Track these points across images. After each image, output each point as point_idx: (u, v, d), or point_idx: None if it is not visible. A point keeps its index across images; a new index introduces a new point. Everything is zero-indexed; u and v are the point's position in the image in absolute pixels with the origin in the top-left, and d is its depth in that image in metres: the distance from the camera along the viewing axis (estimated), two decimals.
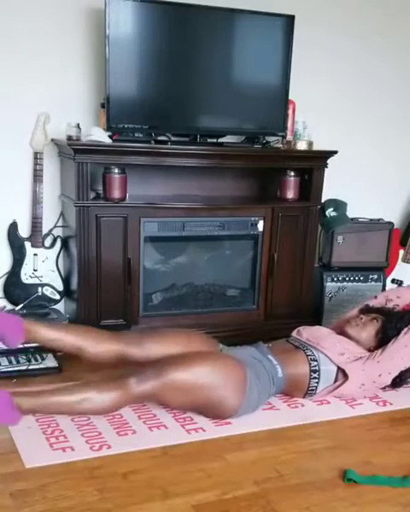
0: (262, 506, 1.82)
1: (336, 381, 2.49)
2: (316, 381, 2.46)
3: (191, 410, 2.35)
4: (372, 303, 2.81)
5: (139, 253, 2.94)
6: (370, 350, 2.56)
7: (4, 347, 2.65)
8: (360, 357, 2.49)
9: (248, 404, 2.31)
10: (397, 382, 2.55)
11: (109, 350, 2.34)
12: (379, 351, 2.50)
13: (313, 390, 2.48)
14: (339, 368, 2.47)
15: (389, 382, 2.53)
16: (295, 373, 2.44)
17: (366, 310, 2.75)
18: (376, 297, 2.87)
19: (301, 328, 2.68)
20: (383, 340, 2.54)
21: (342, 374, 2.47)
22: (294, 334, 2.65)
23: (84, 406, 2.15)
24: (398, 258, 3.64)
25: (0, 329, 2.24)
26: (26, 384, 2.49)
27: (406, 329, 2.50)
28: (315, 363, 2.45)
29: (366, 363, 2.47)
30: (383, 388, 2.59)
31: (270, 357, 2.44)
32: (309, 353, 2.48)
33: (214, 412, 2.30)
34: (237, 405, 2.28)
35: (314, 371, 2.45)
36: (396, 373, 2.51)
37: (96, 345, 2.33)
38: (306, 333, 2.61)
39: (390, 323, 2.57)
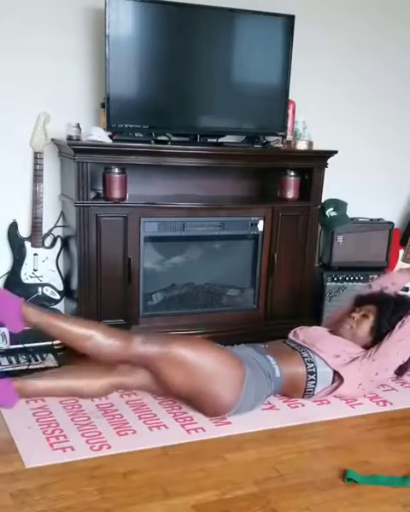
0: (262, 506, 1.82)
1: (333, 381, 2.48)
2: (313, 382, 2.45)
3: (184, 397, 2.34)
4: (366, 293, 2.76)
5: (139, 253, 2.94)
6: (366, 347, 2.54)
7: (4, 347, 2.67)
8: (357, 358, 2.48)
9: (244, 404, 2.30)
10: (402, 371, 2.55)
11: (105, 384, 2.37)
12: (374, 348, 2.49)
13: (310, 391, 2.47)
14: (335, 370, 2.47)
15: (387, 379, 2.52)
16: (292, 373, 2.43)
17: (359, 301, 2.70)
18: (370, 287, 2.84)
19: (297, 328, 2.67)
20: (378, 336, 2.53)
21: (338, 375, 2.46)
22: (290, 335, 2.64)
23: (84, 342, 2.20)
24: (398, 258, 3.64)
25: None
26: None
27: (400, 323, 2.49)
28: (312, 365, 2.44)
29: (362, 363, 2.46)
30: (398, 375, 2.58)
31: (268, 356, 2.43)
32: (305, 355, 2.47)
33: (207, 406, 2.29)
34: (231, 403, 2.27)
35: (311, 373, 2.44)
36: (394, 368, 2.51)
37: (92, 383, 2.36)
38: (302, 334, 2.61)
39: (383, 318, 2.54)
